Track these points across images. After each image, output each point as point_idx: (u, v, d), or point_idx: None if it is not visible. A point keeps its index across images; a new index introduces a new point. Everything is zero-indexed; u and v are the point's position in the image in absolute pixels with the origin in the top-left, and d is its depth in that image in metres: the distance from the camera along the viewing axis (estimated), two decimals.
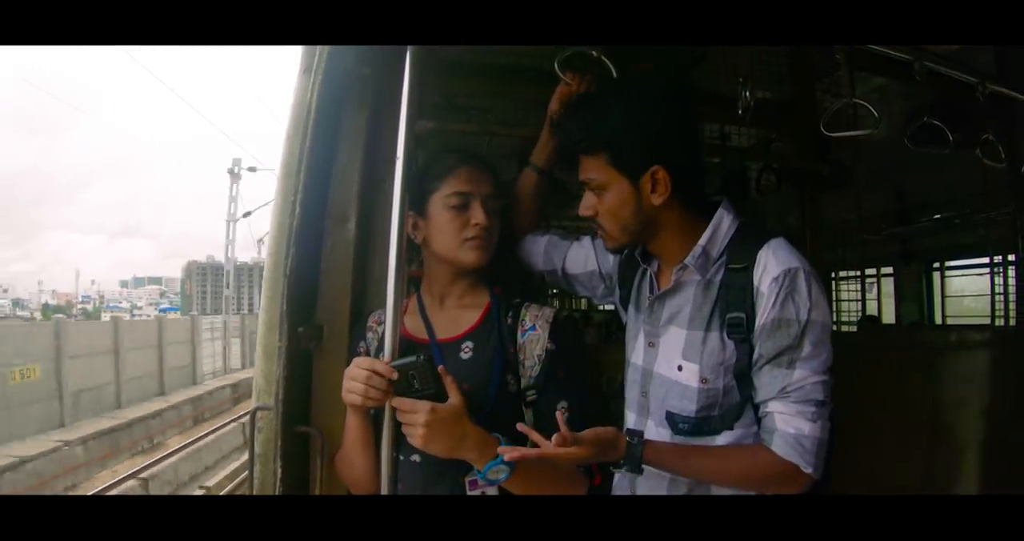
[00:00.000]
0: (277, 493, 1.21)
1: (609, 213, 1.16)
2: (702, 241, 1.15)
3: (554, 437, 0.99)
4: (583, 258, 1.40)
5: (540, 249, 1.43)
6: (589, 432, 1.03)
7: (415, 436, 1.07)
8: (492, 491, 1.12)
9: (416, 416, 1.06)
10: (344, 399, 1.11)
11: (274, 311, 1.24)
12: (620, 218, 1.16)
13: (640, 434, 1.09)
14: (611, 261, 1.37)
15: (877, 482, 1.43)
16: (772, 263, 1.09)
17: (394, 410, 1.09)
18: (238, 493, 9.01)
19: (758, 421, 1.12)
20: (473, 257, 1.21)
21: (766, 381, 1.09)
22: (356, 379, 1.08)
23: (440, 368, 1.09)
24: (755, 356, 1.10)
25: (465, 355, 1.20)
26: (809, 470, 1.05)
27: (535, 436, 1.03)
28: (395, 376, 1.07)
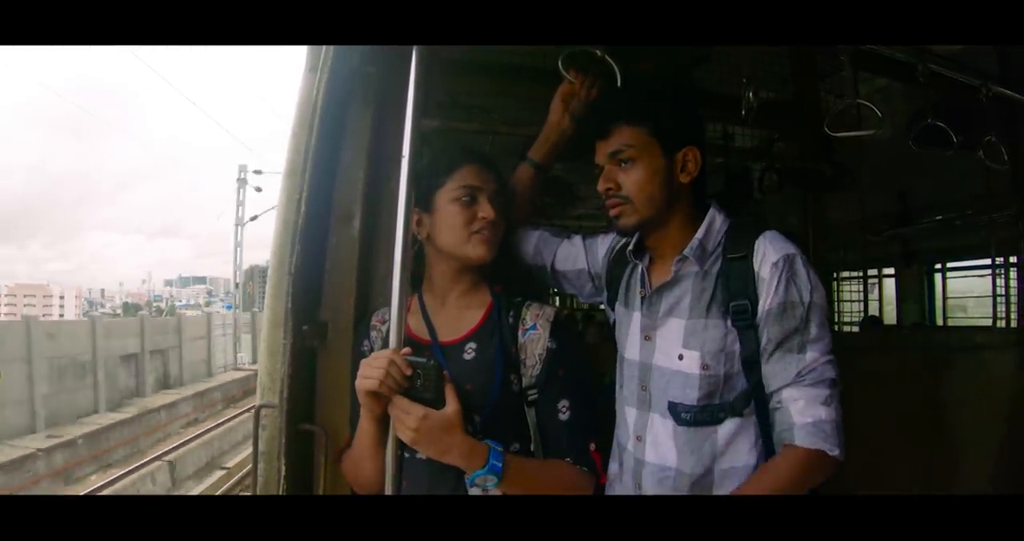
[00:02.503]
0: (281, 490, 1.22)
1: (638, 184, 1.19)
2: (699, 234, 1.19)
3: None
4: (573, 256, 1.41)
5: (531, 244, 1.43)
6: None
7: (403, 436, 1.08)
8: (495, 490, 1.12)
9: (408, 419, 1.07)
10: (359, 386, 1.09)
11: (279, 309, 1.25)
12: (648, 190, 1.18)
13: None
14: (600, 261, 1.39)
15: (878, 482, 1.43)
16: (770, 250, 1.14)
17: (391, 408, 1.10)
18: (240, 489, 9.20)
19: (766, 410, 1.14)
20: (480, 251, 1.21)
21: (780, 368, 1.11)
22: (375, 366, 1.07)
23: (444, 373, 1.10)
24: (763, 342, 1.12)
25: (468, 356, 1.20)
26: (836, 452, 1.07)
27: None
28: (409, 371, 1.08)
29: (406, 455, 1.17)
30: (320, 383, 1.32)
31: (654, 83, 1.24)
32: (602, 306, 1.46)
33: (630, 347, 1.26)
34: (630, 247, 1.28)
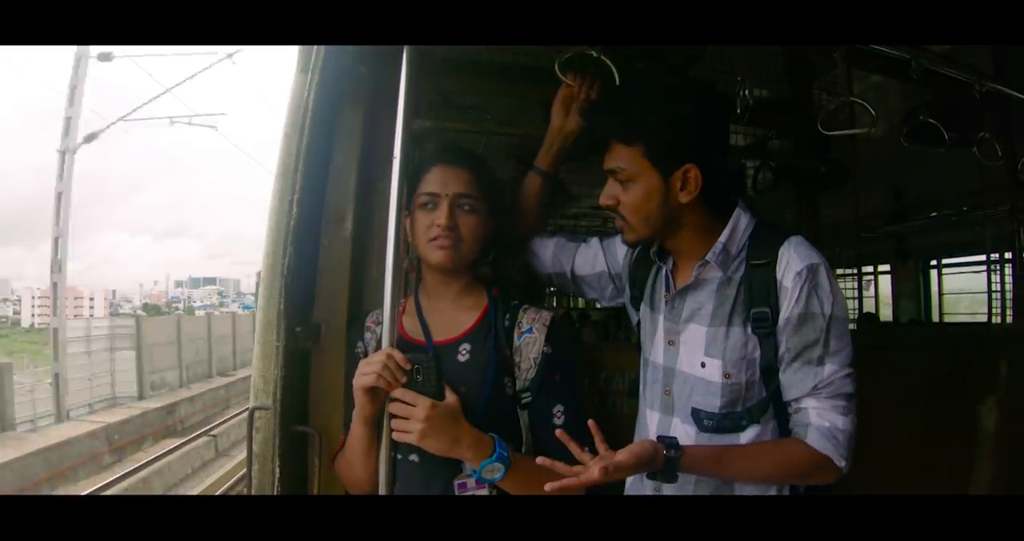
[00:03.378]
0: (275, 493, 1.21)
1: (633, 205, 1.16)
2: (722, 238, 1.16)
3: (594, 469, 0.96)
4: (592, 259, 1.40)
5: (549, 252, 1.42)
6: (629, 454, 1.00)
7: (411, 431, 1.07)
8: (482, 492, 1.12)
9: (416, 410, 1.07)
10: (356, 383, 1.09)
11: (272, 311, 1.23)
12: (643, 211, 1.16)
13: (676, 444, 1.06)
14: (620, 261, 1.37)
15: (877, 482, 1.43)
16: (795, 258, 1.11)
17: (393, 405, 1.10)
18: (236, 492, 9.40)
19: (785, 417, 1.13)
20: (436, 257, 1.19)
21: (797, 379, 1.10)
22: (372, 363, 1.08)
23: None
24: (781, 351, 1.11)
25: (462, 357, 1.20)
26: (842, 463, 1.07)
27: (559, 467, 0.99)
28: (408, 366, 1.09)
29: (398, 457, 1.16)
30: (314, 385, 1.31)
31: (649, 99, 1.16)
32: (611, 306, 1.45)
33: (655, 351, 1.25)
34: (653, 248, 1.26)
